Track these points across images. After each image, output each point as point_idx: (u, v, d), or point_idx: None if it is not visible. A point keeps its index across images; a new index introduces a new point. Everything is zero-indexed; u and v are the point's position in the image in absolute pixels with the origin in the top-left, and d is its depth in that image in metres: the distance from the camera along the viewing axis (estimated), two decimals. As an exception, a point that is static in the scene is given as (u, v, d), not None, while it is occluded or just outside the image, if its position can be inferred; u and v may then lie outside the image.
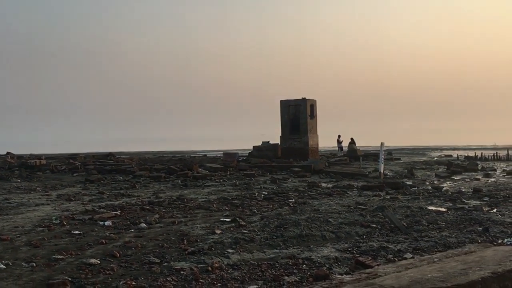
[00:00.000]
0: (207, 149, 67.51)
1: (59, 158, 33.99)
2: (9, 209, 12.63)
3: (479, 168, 25.74)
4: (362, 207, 12.12)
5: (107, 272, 6.59)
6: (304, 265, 6.74)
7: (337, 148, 36.64)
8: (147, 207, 12.44)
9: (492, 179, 20.10)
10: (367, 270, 3.91)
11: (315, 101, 30.52)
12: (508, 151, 33.46)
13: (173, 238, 8.78)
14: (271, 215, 11.17)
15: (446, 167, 27.25)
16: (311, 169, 23.04)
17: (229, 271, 6.56)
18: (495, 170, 25.14)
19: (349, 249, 7.62)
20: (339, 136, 35.22)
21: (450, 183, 18.86)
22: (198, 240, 8.55)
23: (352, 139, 33.31)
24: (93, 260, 7.13)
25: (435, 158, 36.25)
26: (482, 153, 34.62)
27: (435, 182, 19.48)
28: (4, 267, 6.80)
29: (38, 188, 17.68)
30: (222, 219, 10.70)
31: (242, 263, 6.94)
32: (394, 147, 59.40)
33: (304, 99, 29.40)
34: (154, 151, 63.59)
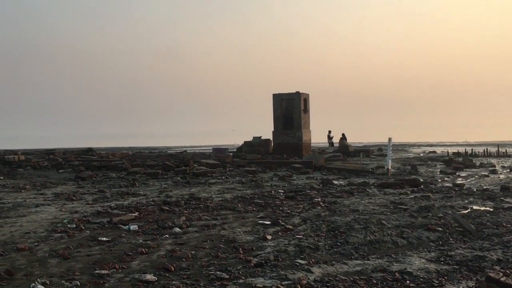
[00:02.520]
0: (186, 145, 65.94)
1: (36, 153, 31.98)
2: (7, 211, 11.15)
3: (477, 164, 25.32)
4: (403, 207, 11.18)
5: (176, 293, 5.38)
6: (408, 281, 5.69)
7: (327, 144, 35.81)
8: (166, 208, 11.17)
9: (502, 176, 19.54)
10: None
11: (308, 95, 29.56)
12: (498, 148, 33.34)
13: (222, 245, 7.60)
14: (311, 216, 10.10)
15: (442, 163, 26.84)
16: (312, 165, 22.07)
17: (323, 290, 5.45)
18: (494, 166, 24.73)
19: (441, 259, 6.60)
20: (329, 132, 34.38)
21: (463, 180, 18.17)
22: (254, 248, 7.40)
23: (343, 134, 32.55)
24: (149, 276, 5.89)
25: (421, 154, 35.89)
26: (472, 149, 34.43)
27: (446, 178, 18.78)
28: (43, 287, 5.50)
29: (27, 186, 16.07)
30: (260, 221, 9.55)
31: (331, 278, 5.84)
32: (368, 143, 59.30)
33: (298, 92, 28.38)
34: (129, 147, 61.64)
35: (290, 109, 28.61)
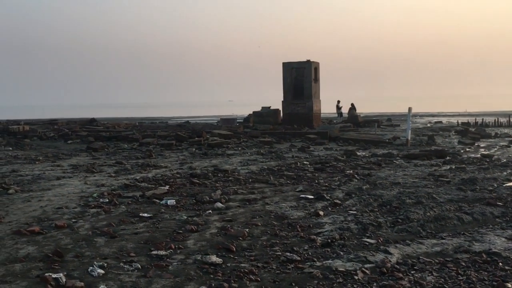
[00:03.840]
0: (183, 115, 65.19)
1: (39, 124, 31.22)
2: (29, 184, 10.57)
3: (492, 135, 24.87)
4: (445, 179, 10.69)
5: (250, 278, 4.86)
6: (500, 263, 5.20)
7: (335, 114, 35.18)
8: (196, 181, 10.62)
9: (524, 147, 19.07)
10: None
11: (318, 63, 28.77)
12: (510, 117, 32.88)
13: (274, 222, 7.08)
14: (352, 190, 9.59)
15: (455, 133, 26.39)
16: (327, 136, 21.53)
17: (412, 273, 4.94)
18: (510, 136, 24.31)
19: (522, 237, 6.12)
20: (338, 102, 33.70)
21: (486, 151, 17.69)
22: (311, 226, 6.88)
23: (352, 104, 31.91)
24: (214, 258, 5.37)
25: (428, 125, 35.42)
26: (483, 119, 33.97)
27: (467, 149, 18.30)
28: (103, 272, 4.96)
29: (40, 158, 15.44)
30: (302, 195, 9.03)
31: (414, 260, 5.34)
32: (373, 113, 58.74)
33: (308, 61, 27.59)
34: (127, 117, 60.93)
35: (300, 79, 27.86)
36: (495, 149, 18.47)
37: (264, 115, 28.31)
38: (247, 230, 6.61)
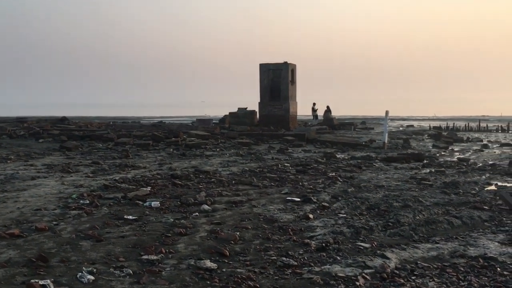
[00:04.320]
0: (156, 115, 64.38)
1: (7, 121, 30.27)
2: (2, 184, 10.11)
3: (464, 139, 25.31)
4: (427, 182, 10.74)
5: (249, 284, 4.68)
6: (498, 268, 5.16)
7: (311, 117, 35.25)
8: (179, 182, 10.37)
9: (497, 151, 19.43)
10: None
11: (295, 65, 28.78)
12: (479, 122, 33.59)
13: (264, 225, 6.92)
14: (338, 192, 9.52)
15: (428, 137, 26.76)
16: (305, 138, 21.50)
17: (413, 279, 4.86)
18: (482, 141, 24.77)
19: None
20: (314, 104, 33.78)
21: (461, 155, 17.95)
22: (303, 229, 6.76)
23: (328, 107, 32.02)
24: (208, 263, 5.17)
25: (400, 128, 35.88)
26: (454, 123, 34.62)
27: (442, 153, 18.52)
28: (93, 278, 4.70)
29: (11, 157, 14.89)
30: (288, 198, 8.90)
31: (413, 265, 5.25)
32: (347, 116, 59.15)
33: (286, 63, 27.55)
34: (97, 116, 59.82)
35: (277, 80, 27.79)
36: (470, 153, 18.76)
37: (241, 116, 28.14)
38: (238, 233, 6.43)
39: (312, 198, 8.74)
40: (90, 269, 4.91)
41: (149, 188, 9.62)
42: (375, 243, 6.07)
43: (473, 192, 9.61)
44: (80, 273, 4.76)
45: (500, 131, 32.34)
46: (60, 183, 10.34)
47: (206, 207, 7.96)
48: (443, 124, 37.48)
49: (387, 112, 20.00)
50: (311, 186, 10.24)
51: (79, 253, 5.52)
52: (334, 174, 12.06)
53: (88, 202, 8.35)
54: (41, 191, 9.35)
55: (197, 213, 7.63)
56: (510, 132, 31.50)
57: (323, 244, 5.92)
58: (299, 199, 8.78)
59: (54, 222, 6.91)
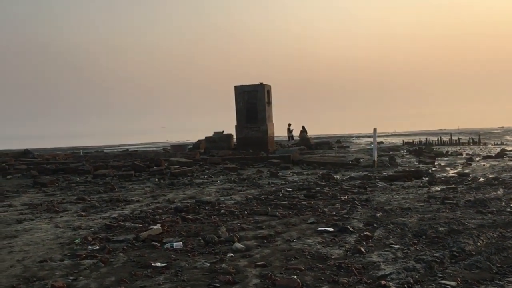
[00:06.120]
0: (118, 144, 62.35)
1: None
2: (-15, 231, 8.82)
3: (445, 153, 25.26)
4: (451, 201, 10.14)
5: None
6: None
7: (286, 138, 34.65)
8: (189, 217, 9.35)
9: (484, 163, 19.25)
10: None
11: (270, 86, 28.20)
12: (451, 136, 33.91)
13: (318, 264, 6.03)
14: (367, 219, 8.76)
15: (407, 153, 26.61)
16: (290, 159, 20.80)
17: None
18: (461, 154, 24.77)
19: None
20: (289, 125, 33.24)
21: (453, 169, 17.63)
22: (365, 267, 5.91)
23: (303, 127, 31.54)
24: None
25: (372, 145, 35.79)
26: (426, 138, 34.81)
27: (433, 168, 18.15)
28: None
29: (-18, 197, 13.41)
30: (320, 229, 8.05)
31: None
32: (315, 135, 59.05)
33: (261, 84, 26.92)
34: (55, 147, 57.32)
35: (253, 102, 27.09)
36: (460, 167, 18.49)
37: (217, 140, 27.21)
38: (295, 277, 5.52)
39: (349, 227, 7.92)
40: None
41: (159, 226, 8.56)
42: (459, 280, 5.30)
43: (508, 210, 9.05)
44: None
45: (471, 144, 32.72)
46: (53, 225, 9.12)
47: (238, 245, 7.01)
48: (414, 139, 37.76)
49: (375, 130, 19.60)
50: (333, 213, 9.43)
51: (122, 318, 4.48)
52: (346, 197, 11.33)
53: (98, 248, 7.23)
54: (35, 237, 8.13)
55: (231, 254, 6.67)
56: (481, 144, 31.88)
57: (405, 286, 5.09)
58: (332, 229, 7.95)
59: (71, 277, 5.80)
